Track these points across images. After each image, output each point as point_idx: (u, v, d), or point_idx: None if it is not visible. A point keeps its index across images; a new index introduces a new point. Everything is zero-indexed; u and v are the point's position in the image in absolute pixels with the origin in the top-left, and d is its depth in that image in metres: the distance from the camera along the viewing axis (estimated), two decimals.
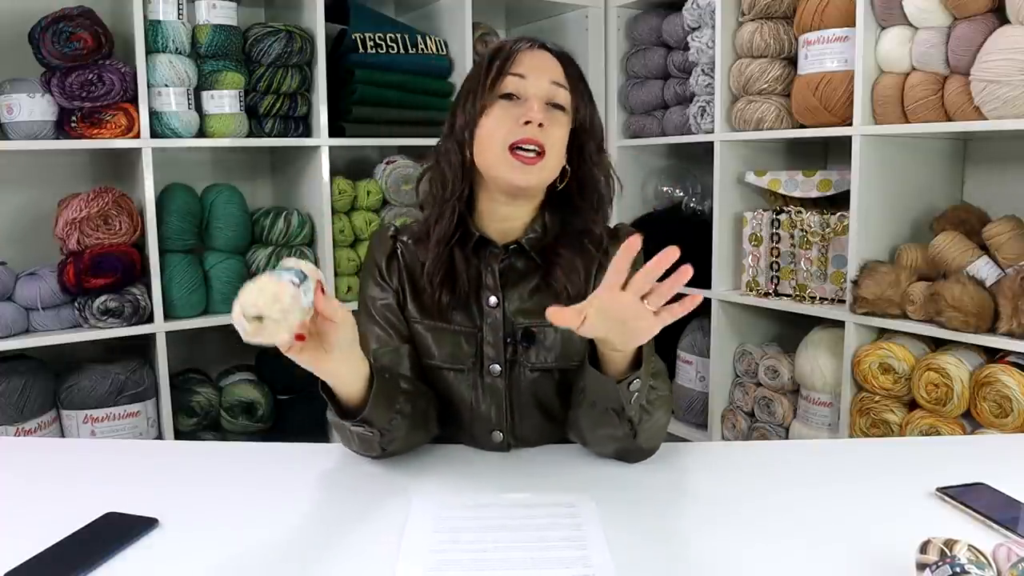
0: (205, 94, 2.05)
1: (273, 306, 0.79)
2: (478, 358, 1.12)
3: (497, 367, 1.12)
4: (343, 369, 0.94)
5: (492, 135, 1.08)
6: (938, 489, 0.96)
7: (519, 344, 1.12)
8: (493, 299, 1.13)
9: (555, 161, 1.11)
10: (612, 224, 1.23)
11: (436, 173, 1.16)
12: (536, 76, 1.10)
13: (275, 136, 2.15)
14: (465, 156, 1.12)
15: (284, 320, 0.80)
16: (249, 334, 0.80)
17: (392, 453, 1.07)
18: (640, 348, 0.95)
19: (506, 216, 1.14)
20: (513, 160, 1.07)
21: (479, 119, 1.10)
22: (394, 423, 1.01)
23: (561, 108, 1.11)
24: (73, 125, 1.88)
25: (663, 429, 1.06)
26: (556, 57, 1.14)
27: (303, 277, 0.82)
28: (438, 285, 1.12)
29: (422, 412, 1.07)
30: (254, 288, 0.80)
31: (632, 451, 1.05)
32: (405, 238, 1.18)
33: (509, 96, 1.10)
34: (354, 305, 2.38)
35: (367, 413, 0.97)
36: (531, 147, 1.07)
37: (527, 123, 1.06)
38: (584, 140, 1.14)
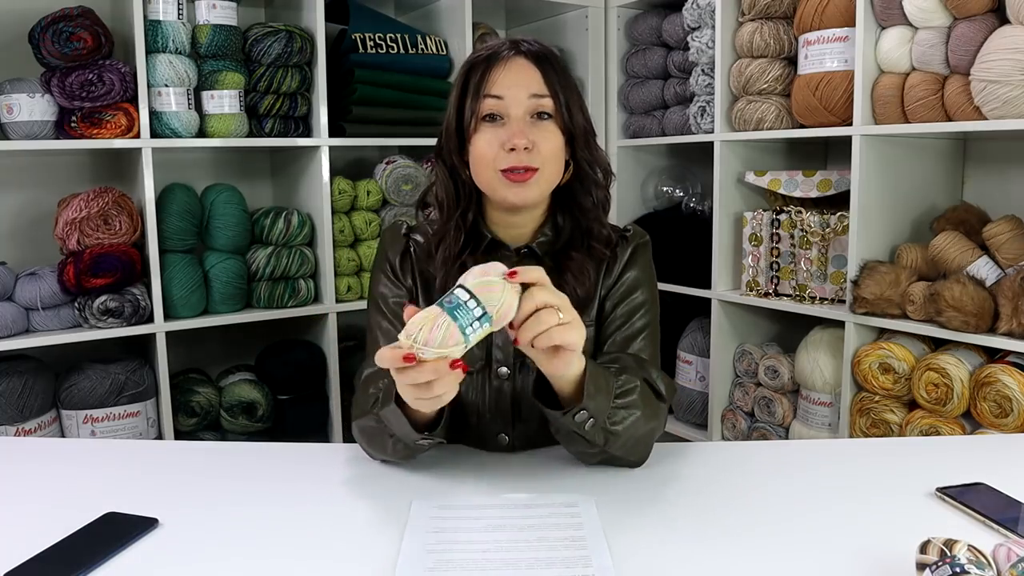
0: (205, 94, 2.05)
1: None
2: (487, 361, 1.12)
3: (505, 369, 1.12)
4: None
5: (482, 160, 1.07)
6: (938, 489, 0.96)
7: None
8: None
9: (551, 173, 1.08)
10: (615, 223, 1.22)
11: (433, 196, 1.16)
12: (514, 94, 1.06)
13: (275, 136, 2.15)
14: (460, 177, 1.12)
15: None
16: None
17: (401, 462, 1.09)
18: (583, 379, 0.93)
19: (515, 223, 1.14)
20: (507, 181, 1.05)
21: (467, 144, 1.09)
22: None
23: (547, 116, 1.07)
24: (73, 125, 1.88)
25: (645, 440, 1.05)
26: (533, 61, 1.08)
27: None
28: None
29: None
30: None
31: (616, 462, 1.06)
32: (418, 237, 1.17)
33: (492, 117, 1.07)
34: (353, 304, 2.38)
35: (439, 430, 0.98)
36: (522, 169, 1.05)
37: (512, 149, 1.04)
38: (576, 138, 1.10)
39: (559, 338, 0.86)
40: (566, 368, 0.91)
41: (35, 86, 1.86)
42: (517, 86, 1.06)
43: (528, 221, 1.14)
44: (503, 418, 1.12)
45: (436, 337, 0.81)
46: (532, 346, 0.87)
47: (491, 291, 0.83)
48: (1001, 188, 2.01)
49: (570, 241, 1.14)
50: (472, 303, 0.82)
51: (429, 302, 1.14)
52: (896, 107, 1.83)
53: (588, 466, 1.07)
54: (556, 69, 1.09)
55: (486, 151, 1.06)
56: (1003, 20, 1.65)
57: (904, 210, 2.00)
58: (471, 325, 0.82)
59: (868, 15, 1.84)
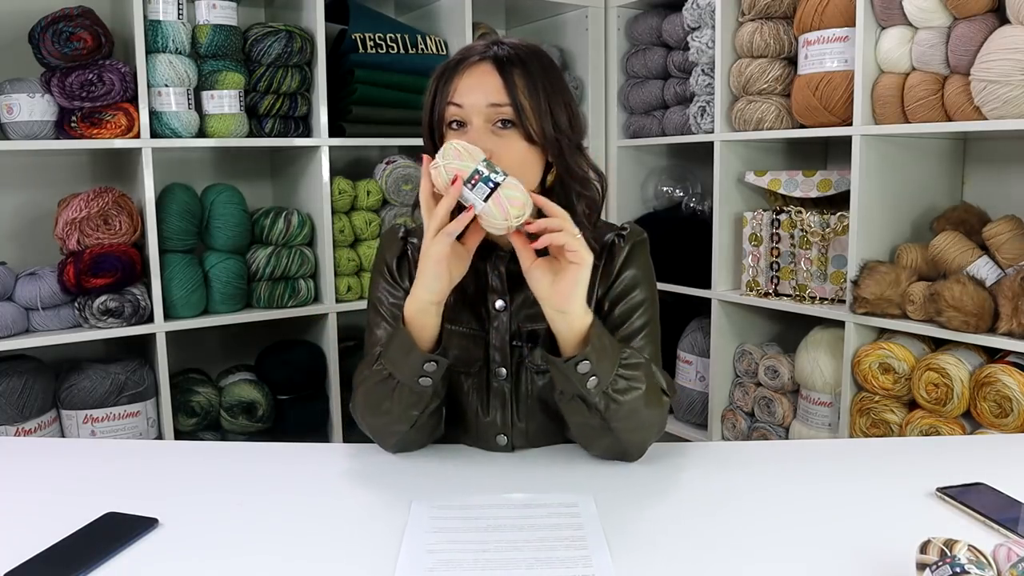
0: (205, 94, 2.05)
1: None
2: (485, 361, 1.12)
3: (503, 370, 1.12)
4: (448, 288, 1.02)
5: None
6: (938, 489, 0.96)
7: (524, 346, 1.12)
8: (500, 303, 1.12)
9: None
10: (614, 223, 1.22)
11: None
12: (472, 101, 1.03)
13: (275, 136, 2.15)
14: None
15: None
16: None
17: (408, 444, 1.10)
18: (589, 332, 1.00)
19: None
20: None
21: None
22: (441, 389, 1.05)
23: (510, 124, 1.03)
24: (73, 125, 1.88)
25: (649, 424, 1.05)
26: (497, 67, 1.04)
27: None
28: None
29: (438, 410, 1.09)
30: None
31: (616, 445, 1.05)
32: (415, 240, 1.17)
33: (459, 123, 1.06)
34: (353, 304, 2.38)
35: (443, 347, 1.03)
36: None
37: None
38: (548, 147, 1.06)
39: (568, 240, 0.94)
40: (571, 291, 0.97)
41: (35, 86, 1.86)
42: (476, 93, 1.04)
43: None
44: (502, 418, 1.12)
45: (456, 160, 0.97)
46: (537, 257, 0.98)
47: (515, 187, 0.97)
48: (1001, 188, 2.01)
49: None
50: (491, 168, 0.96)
51: None
52: (896, 107, 1.83)
53: (590, 464, 1.07)
54: (526, 75, 1.04)
55: None
56: (1003, 20, 1.65)
57: (904, 210, 2.00)
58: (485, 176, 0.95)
59: (868, 15, 1.84)
